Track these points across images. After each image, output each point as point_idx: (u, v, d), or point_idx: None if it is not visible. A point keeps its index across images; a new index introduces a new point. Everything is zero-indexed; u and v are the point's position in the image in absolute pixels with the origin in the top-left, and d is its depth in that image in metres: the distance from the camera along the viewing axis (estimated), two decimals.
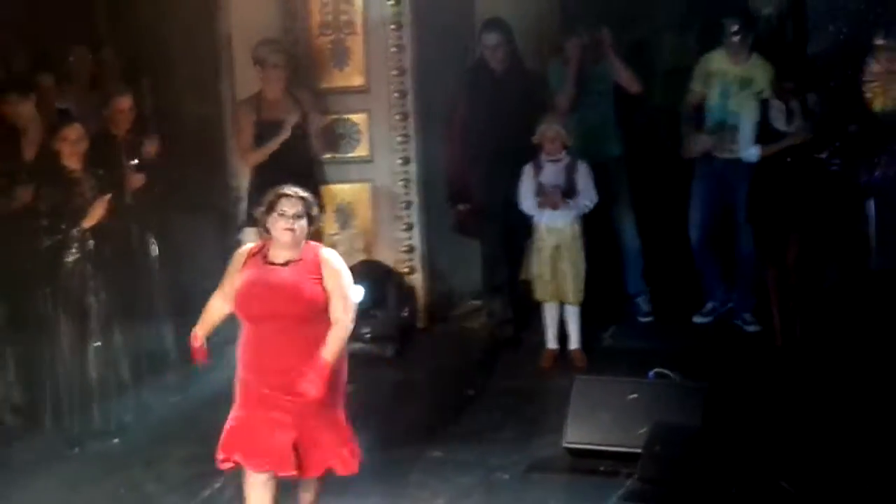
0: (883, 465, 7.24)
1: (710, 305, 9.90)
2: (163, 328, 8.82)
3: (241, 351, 6.45)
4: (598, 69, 9.69)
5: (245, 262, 6.50)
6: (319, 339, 6.31)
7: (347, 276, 6.49)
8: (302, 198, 6.45)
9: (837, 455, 7.39)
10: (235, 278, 6.47)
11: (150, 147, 8.68)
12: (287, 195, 6.45)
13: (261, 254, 6.48)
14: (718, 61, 9.59)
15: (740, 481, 7.05)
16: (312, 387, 6.22)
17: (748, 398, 8.15)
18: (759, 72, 9.42)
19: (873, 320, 9.40)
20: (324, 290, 6.37)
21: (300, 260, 6.41)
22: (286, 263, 6.40)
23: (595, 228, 9.36)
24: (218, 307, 6.65)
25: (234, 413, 6.48)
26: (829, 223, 9.40)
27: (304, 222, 6.41)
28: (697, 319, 9.88)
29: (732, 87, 9.49)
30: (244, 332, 6.45)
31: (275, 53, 9.26)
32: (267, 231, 6.45)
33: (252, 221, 9.10)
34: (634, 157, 9.95)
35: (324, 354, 6.26)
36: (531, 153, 9.09)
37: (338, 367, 6.40)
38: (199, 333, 6.68)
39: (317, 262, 6.43)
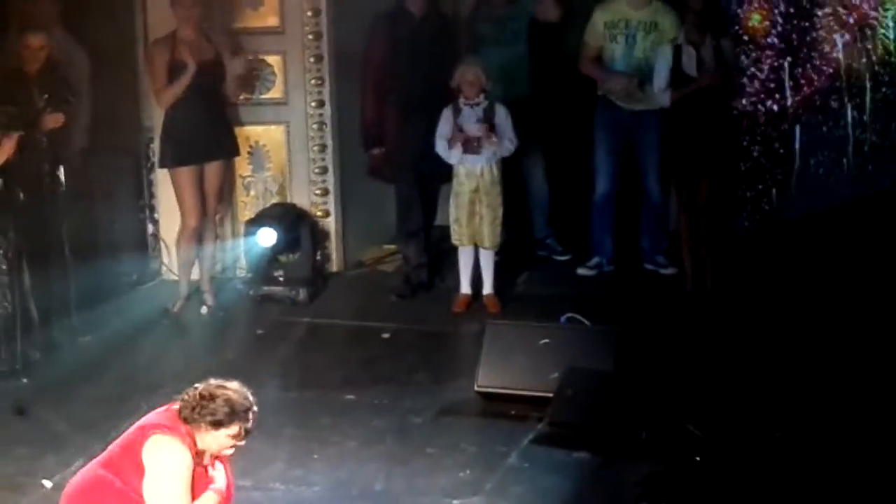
0: (789, 411, 7.34)
1: (595, 259, 9.84)
2: (73, 268, 8.71)
3: None
4: (515, 8, 9.68)
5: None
6: None
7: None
8: None
9: (745, 400, 7.49)
10: None
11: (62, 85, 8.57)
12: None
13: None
14: (616, 11, 9.56)
15: (650, 425, 7.12)
16: None
17: (659, 343, 8.21)
18: (662, 17, 9.43)
19: (786, 267, 9.53)
20: None
21: None
22: None
23: (506, 172, 9.36)
24: None
25: None
26: (738, 169, 9.52)
27: None
28: (581, 272, 9.83)
29: (638, 34, 9.49)
30: None
31: None
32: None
33: (164, 163, 9.12)
34: (545, 100, 9.95)
35: None
36: (447, 99, 9.07)
37: None
38: None
39: None
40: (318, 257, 9.69)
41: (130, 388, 7.90)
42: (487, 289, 9.25)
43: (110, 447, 5.47)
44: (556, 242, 10.10)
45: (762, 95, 10.15)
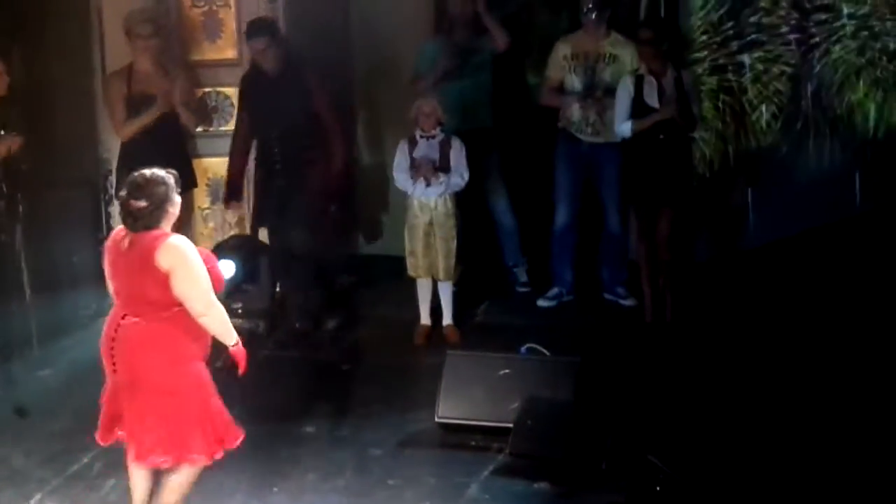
0: (750, 441, 7.35)
1: (555, 290, 9.87)
2: (31, 303, 8.67)
3: None
4: (479, 41, 9.71)
5: None
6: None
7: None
8: None
9: (705, 430, 7.50)
10: None
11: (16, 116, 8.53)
12: None
13: None
14: (576, 44, 9.61)
15: (610, 456, 7.13)
16: None
17: (619, 373, 8.23)
18: (621, 49, 9.49)
19: (745, 297, 9.58)
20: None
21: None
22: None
23: (470, 202, 9.38)
24: None
25: None
26: (699, 199, 9.56)
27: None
28: (541, 303, 9.85)
29: (598, 65, 9.54)
30: None
31: (143, 24, 9.14)
32: None
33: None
34: (507, 132, 9.98)
35: None
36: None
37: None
38: None
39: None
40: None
41: (90, 422, 7.83)
42: (447, 319, 9.26)
43: (118, 292, 6.14)
44: (523, 272, 10.10)
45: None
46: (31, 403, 8.23)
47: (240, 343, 6.29)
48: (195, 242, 9.46)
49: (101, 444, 6.40)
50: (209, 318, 6.11)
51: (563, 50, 9.65)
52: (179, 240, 6.11)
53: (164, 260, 6.00)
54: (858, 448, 7.19)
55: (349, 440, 7.73)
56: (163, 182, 6.13)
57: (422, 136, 9.05)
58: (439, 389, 7.72)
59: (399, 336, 9.33)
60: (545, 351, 8.10)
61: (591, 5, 9.48)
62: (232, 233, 9.72)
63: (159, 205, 6.10)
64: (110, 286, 6.25)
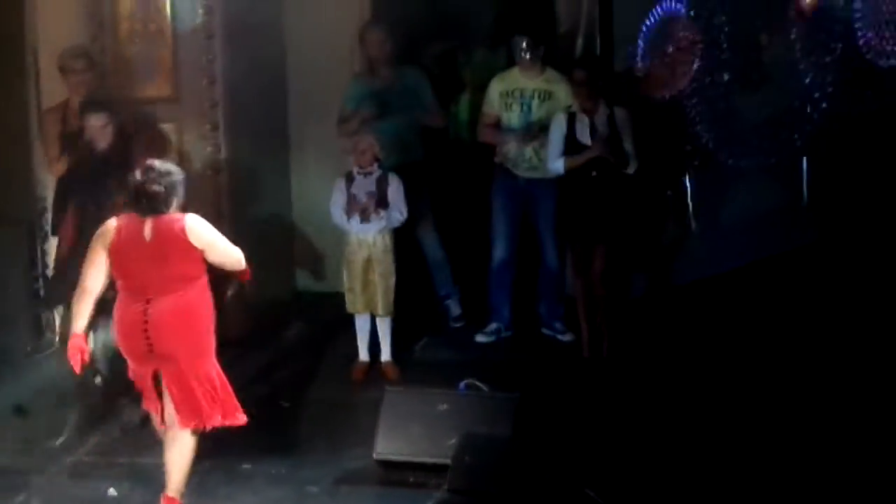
0: (687, 473, 7.38)
1: (494, 325, 9.91)
2: None
3: None
4: (402, 79, 9.76)
5: None
6: None
7: None
8: None
9: (642, 464, 7.52)
10: None
11: None
12: None
13: None
14: (511, 81, 9.69)
15: (549, 491, 7.13)
16: None
17: (557, 408, 8.24)
18: (556, 86, 9.56)
19: (680, 331, 9.63)
20: None
21: None
22: None
23: (405, 237, 9.39)
24: None
25: None
26: (634, 235, 9.61)
27: None
28: (480, 339, 9.88)
29: (533, 101, 9.60)
30: None
31: (77, 60, 9.10)
32: None
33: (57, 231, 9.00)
34: (438, 167, 10.01)
35: None
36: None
37: None
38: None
39: None
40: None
41: (26, 460, 7.81)
42: (385, 356, 9.25)
43: (136, 277, 6.85)
44: (456, 303, 10.11)
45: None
46: None
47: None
48: None
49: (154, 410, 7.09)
50: (242, 263, 7.04)
51: (498, 87, 9.72)
52: (197, 219, 6.94)
53: (195, 239, 6.84)
54: (797, 478, 7.24)
55: (286, 477, 7.68)
56: (173, 172, 6.96)
57: (359, 173, 9.06)
58: (377, 426, 7.70)
59: (337, 372, 9.31)
60: (484, 387, 8.10)
61: (525, 45, 9.54)
62: None
63: (172, 191, 6.88)
64: (120, 274, 6.88)
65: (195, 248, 6.82)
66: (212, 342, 6.99)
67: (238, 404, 7.05)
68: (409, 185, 9.32)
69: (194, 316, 6.91)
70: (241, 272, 7.15)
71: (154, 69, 9.67)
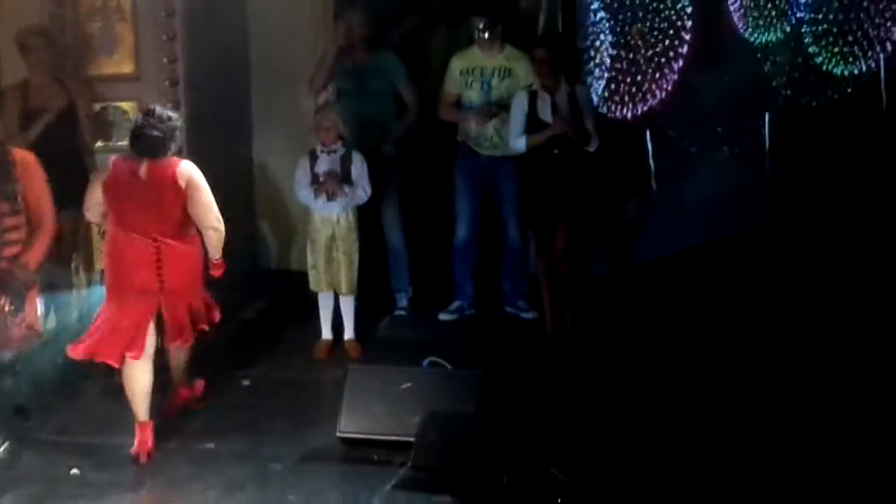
0: (650, 450, 7.42)
1: (457, 303, 9.93)
2: None
3: None
4: (375, 63, 9.72)
5: None
6: None
7: None
8: None
9: (607, 442, 7.55)
10: None
11: None
12: None
13: None
14: (471, 59, 9.68)
15: (512, 469, 7.14)
16: None
17: (521, 386, 8.25)
18: (516, 63, 9.56)
19: (642, 309, 9.67)
20: None
21: None
22: None
23: (367, 219, 9.38)
24: None
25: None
26: (596, 214, 9.64)
27: None
28: (443, 317, 9.89)
29: (493, 79, 9.60)
30: None
31: (36, 38, 9.05)
32: None
33: None
34: (405, 150, 9.99)
35: None
36: None
37: None
38: None
39: None
40: None
41: None
42: (348, 334, 9.26)
43: (128, 215, 7.52)
44: (404, 297, 10.05)
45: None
46: None
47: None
48: (92, 259, 9.55)
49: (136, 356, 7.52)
50: (218, 230, 7.59)
51: (458, 65, 9.72)
52: (191, 165, 7.54)
53: (183, 181, 7.42)
54: (757, 453, 7.29)
55: (250, 455, 7.67)
56: (173, 118, 7.58)
57: (322, 151, 9.05)
58: (341, 404, 7.70)
59: (300, 350, 9.31)
60: (447, 364, 8.12)
61: (482, 25, 9.54)
62: None
63: (170, 136, 7.48)
64: (114, 208, 7.53)
65: (182, 191, 7.40)
66: (201, 284, 7.77)
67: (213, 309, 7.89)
68: (380, 167, 9.32)
69: (196, 257, 7.65)
70: (214, 265, 7.73)
71: (114, 47, 9.61)
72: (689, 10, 10.61)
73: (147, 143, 7.48)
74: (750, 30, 11.24)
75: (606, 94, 10.26)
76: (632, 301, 9.89)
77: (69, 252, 9.20)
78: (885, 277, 9.98)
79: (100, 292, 8.89)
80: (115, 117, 9.61)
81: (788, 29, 11.61)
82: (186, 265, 7.63)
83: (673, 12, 10.60)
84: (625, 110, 10.39)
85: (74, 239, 9.25)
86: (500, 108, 9.50)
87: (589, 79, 10.01)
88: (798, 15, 11.66)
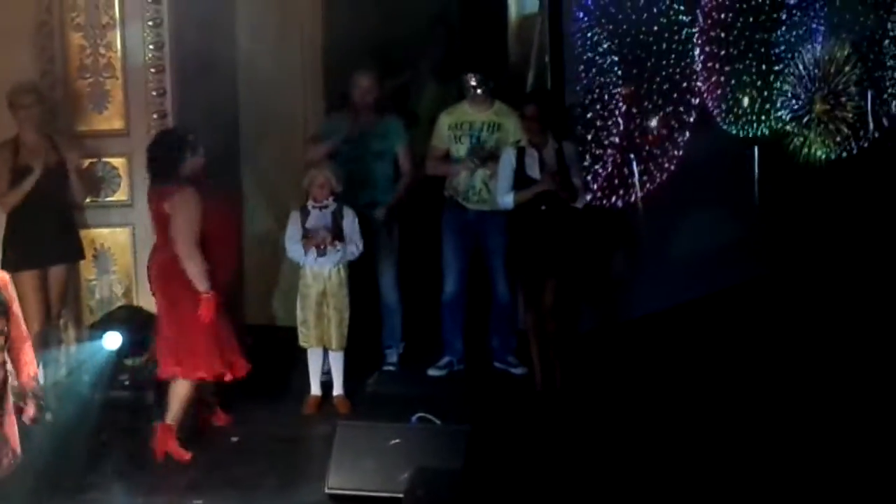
0: None
1: (446, 359, 9.91)
2: None
3: None
4: (383, 128, 9.75)
5: None
6: None
7: None
8: None
9: (597, 499, 7.54)
10: None
11: None
12: None
13: None
14: (460, 114, 9.73)
15: None
16: None
17: (510, 442, 8.24)
18: (505, 118, 9.61)
19: (631, 364, 9.67)
20: None
21: None
22: None
23: (359, 274, 9.39)
24: None
25: None
26: (583, 269, 9.65)
27: None
28: (432, 372, 9.88)
29: (482, 134, 9.64)
30: None
31: (26, 95, 9.07)
32: None
33: (6, 267, 8.93)
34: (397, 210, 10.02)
35: None
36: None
37: None
38: None
39: None
40: None
41: None
42: (337, 390, 9.24)
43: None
44: (394, 353, 10.02)
45: (606, 193, 10.37)
46: None
47: (211, 293, 8.14)
48: (82, 315, 9.53)
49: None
50: (189, 262, 8.03)
51: (447, 121, 9.76)
52: (183, 192, 7.98)
53: (167, 206, 7.93)
54: None
55: None
56: (166, 139, 8.25)
57: (314, 207, 9.07)
58: (329, 460, 7.69)
59: (289, 406, 9.28)
60: (436, 420, 8.11)
61: (475, 82, 9.59)
62: (119, 304, 9.62)
63: (164, 159, 8.03)
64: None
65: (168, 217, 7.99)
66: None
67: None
68: (378, 226, 9.36)
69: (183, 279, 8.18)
70: (199, 300, 8.12)
71: (104, 102, 9.63)
72: (677, 77, 10.71)
73: (147, 168, 8.34)
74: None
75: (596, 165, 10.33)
76: (621, 357, 9.89)
77: (58, 308, 9.18)
78: (875, 334, 9.98)
79: (89, 348, 8.94)
80: (104, 173, 9.62)
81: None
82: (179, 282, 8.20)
83: (665, 75, 10.70)
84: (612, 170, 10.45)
85: (64, 295, 9.24)
86: (488, 157, 9.50)
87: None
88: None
